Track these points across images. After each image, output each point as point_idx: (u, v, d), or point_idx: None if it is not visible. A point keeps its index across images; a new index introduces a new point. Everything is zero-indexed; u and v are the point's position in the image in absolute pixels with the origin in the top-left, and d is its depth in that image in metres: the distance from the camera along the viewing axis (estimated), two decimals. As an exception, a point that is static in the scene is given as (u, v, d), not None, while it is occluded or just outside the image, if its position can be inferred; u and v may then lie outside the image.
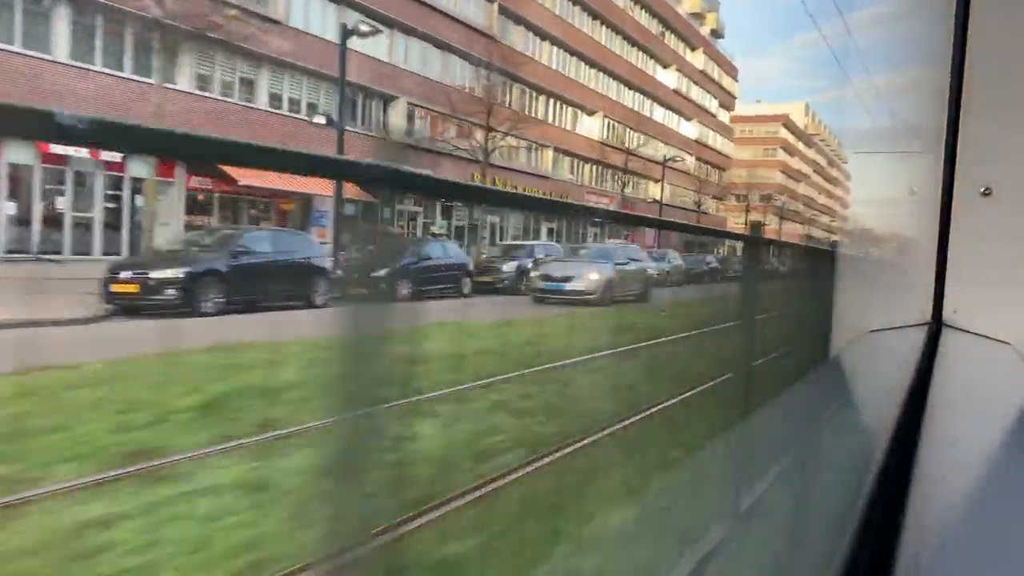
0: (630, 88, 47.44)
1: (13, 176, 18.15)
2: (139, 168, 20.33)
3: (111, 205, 20.48)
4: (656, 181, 45.48)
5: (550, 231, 39.12)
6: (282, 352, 6.70)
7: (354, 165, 1.07)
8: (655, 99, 50.68)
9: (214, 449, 3.88)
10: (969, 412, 1.44)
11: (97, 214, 20.05)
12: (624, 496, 3.73)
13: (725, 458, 2.76)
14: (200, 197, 22.97)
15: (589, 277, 14.93)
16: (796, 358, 3.34)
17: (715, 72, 60.87)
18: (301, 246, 13.50)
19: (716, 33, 64.38)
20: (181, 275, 10.91)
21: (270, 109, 24.81)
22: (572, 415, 5.15)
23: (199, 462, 3.70)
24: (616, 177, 41.83)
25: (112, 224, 20.35)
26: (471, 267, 18.18)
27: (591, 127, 43.20)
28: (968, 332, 2.28)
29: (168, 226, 20.27)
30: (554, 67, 39.76)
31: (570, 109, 41.80)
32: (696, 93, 57.07)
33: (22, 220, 18.49)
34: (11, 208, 17.98)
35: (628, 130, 42.82)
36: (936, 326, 2.34)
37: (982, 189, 2.21)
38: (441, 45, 31.11)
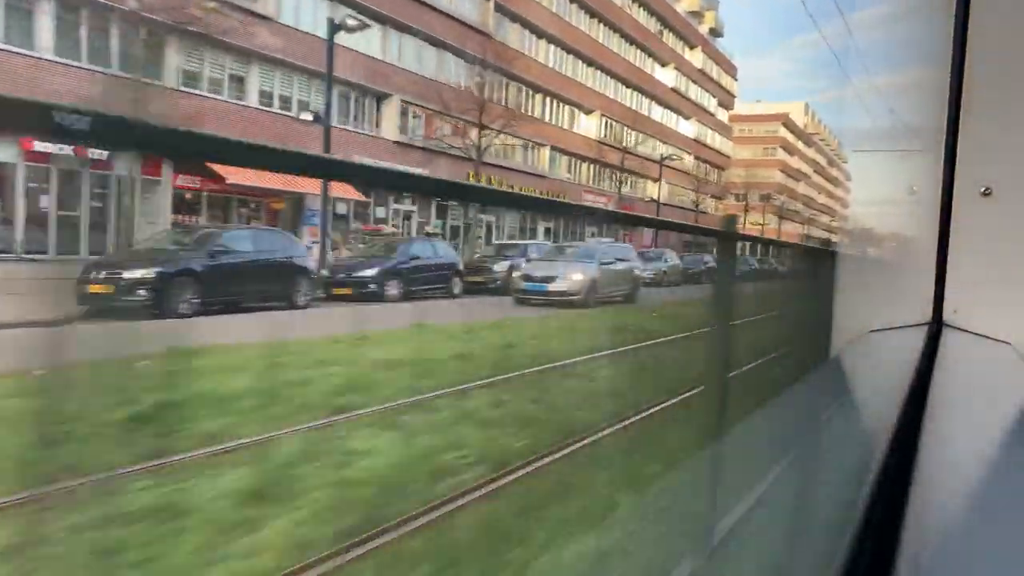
0: (628, 87, 47.06)
1: (-5, 174, 17.82)
2: (126, 166, 20.00)
3: (97, 204, 20.14)
4: (654, 180, 45.11)
5: (547, 230, 38.76)
6: (244, 356, 6.34)
7: (346, 165, 1.15)
8: (653, 98, 50.30)
9: (136, 468, 3.52)
10: (969, 412, 1.44)
11: (83, 213, 19.70)
12: (591, 519, 3.37)
13: (710, 468, 2.48)
14: (188, 196, 22.62)
15: (572, 277, 14.41)
16: (796, 358, 3.31)
17: (714, 71, 60.48)
18: (283, 245, 13.13)
19: (715, 32, 64.01)
20: (153, 275, 10.55)
21: (259, 107, 24.44)
22: (541, 426, 4.79)
23: (112, 484, 3.33)
24: (614, 176, 41.44)
25: (99, 223, 20.00)
26: (461, 267, 17.81)
27: (588, 126, 42.83)
28: (968, 332, 2.27)
29: (155, 225, 19.94)
30: (551, 65, 39.39)
31: (567, 107, 41.44)
32: (695, 92, 56.69)
33: (5, 219, 18.16)
34: (-7, 207, 17.65)
35: (626, 129, 42.43)
36: (936, 326, 2.32)
37: (982, 189, 2.21)
38: (436, 43, 30.75)
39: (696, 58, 56.87)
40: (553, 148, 39.57)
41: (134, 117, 0.66)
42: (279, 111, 24.84)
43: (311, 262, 13.51)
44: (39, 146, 17.29)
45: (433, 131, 30.27)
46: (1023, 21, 2.21)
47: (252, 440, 4.12)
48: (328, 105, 17.13)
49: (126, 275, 10.45)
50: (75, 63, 19.16)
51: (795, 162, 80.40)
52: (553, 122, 40.10)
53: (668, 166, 44.08)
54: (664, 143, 48.19)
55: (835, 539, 0.90)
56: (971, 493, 0.94)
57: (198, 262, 11.19)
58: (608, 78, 45.03)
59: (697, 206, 50.66)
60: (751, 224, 60.79)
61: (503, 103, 31.33)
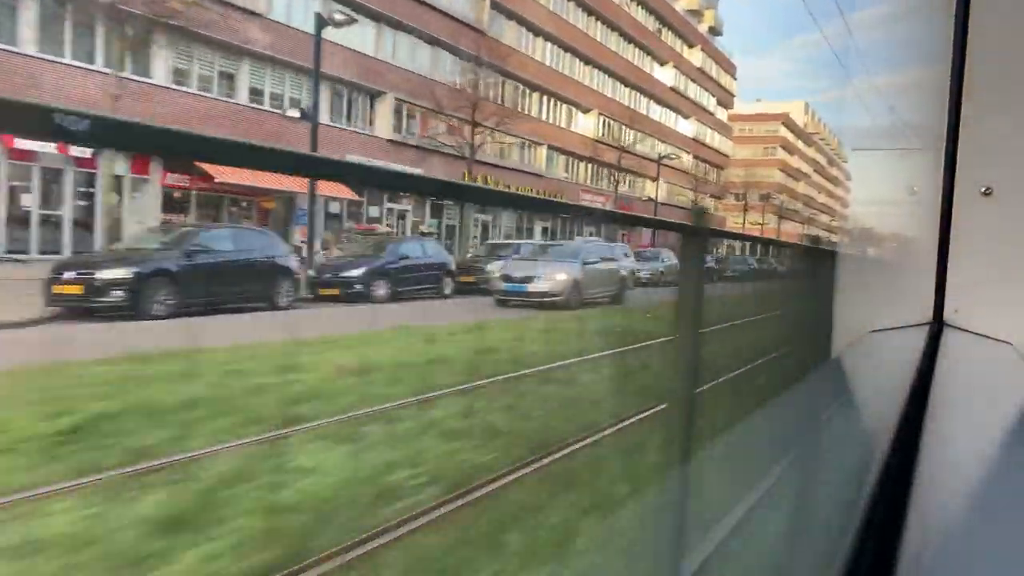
0: (626, 85, 46.68)
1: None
2: (112, 164, 19.65)
3: (83, 203, 19.80)
4: (653, 180, 44.73)
5: (544, 230, 38.41)
6: (204, 361, 5.98)
7: (339, 164, 1.14)
8: (652, 96, 49.92)
9: (44, 491, 3.16)
10: (970, 412, 1.44)
11: (67, 212, 19.35)
12: (549, 551, 3.01)
13: (675, 495, 2.24)
14: (177, 195, 22.28)
15: (553, 278, 13.86)
16: (796, 358, 3.30)
17: (713, 70, 60.08)
18: (264, 245, 12.75)
19: (714, 30, 63.63)
20: (128, 275, 10.20)
21: (242, 103, 24.07)
22: (509, 439, 4.43)
23: (24, 507, 2.98)
24: (612, 175, 41.06)
25: (83, 223, 19.66)
26: (452, 266, 17.45)
27: (586, 125, 42.45)
28: (969, 332, 2.27)
29: (143, 225, 19.56)
30: (548, 63, 39.02)
31: (564, 106, 41.07)
32: (694, 91, 56.29)
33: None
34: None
35: (624, 128, 42.05)
36: (937, 326, 2.32)
37: (983, 189, 2.21)
38: (431, 40, 30.39)
39: (695, 57, 56.48)
40: (550, 147, 39.21)
41: (124, 117, 0.66)
42: (262, 108, 24.39)
43: (294, 262, 13.13)
44: (21, 143, 16.92)
45: (427, 130, 29.90)
46: (1023, 20, 2.20)
47: (186, 457, 3.76)
48: (316, 101, 16.71)
49: (98, 275, 10.11)
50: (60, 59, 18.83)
51: (795, 161, 80.00)
52: (550, 121, 39.74)
53: (666, 165, 43.69)
54: (663, 142, 47.79)
55: (836, 539, 0.89)
56: (972, 493, 0.94)
57: (174, 262, 10.84)
58: (606, 77, 44.67)
59: (694, 205, 50.23)
60: (750, 224, 60.43)
61: (499, 101, 30.98)
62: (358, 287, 14.29)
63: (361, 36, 27.71)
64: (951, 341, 2.15)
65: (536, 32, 37.78)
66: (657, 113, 50.94)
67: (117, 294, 9.98)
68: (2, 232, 17.62)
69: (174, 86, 21.80)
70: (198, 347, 6.49)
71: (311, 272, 14.79)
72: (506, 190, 28.10)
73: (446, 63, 30.27)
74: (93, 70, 19.10)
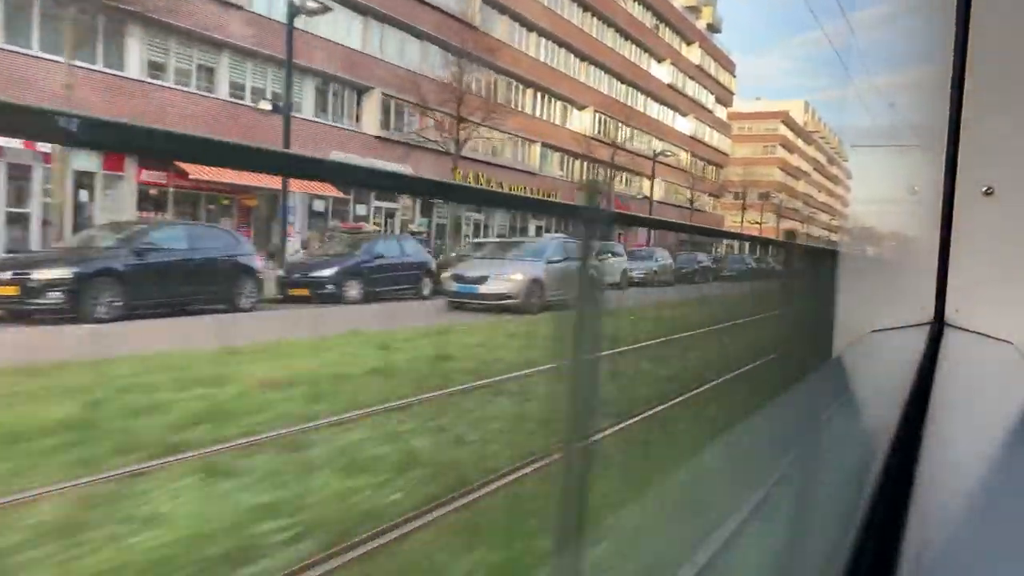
0: (623, 82, 45.92)
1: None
2: (82, 160, 18.98)
3: (52, 200, 19.09)
4: (650, 177, 43.98)
5: (538, 228, 37.68)
6: (102, 375, 5.27)
7: (325, 164, 1.17)
8: (649, 94, 49.15)
9: None
10: (971, 411, 1.42)
11: (35, 209, 18.66)
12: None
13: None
14: (152, 192, 21.58)
15: (509, 278, 12.69)
16: (797, 358, 3.36)
17: (712, 68, 59.31)
18: (225, 243, 12.02)
19: (713, 28, 62.88)
20: (69, 276, 9.49)
21: (230, 99, 23.38)
22: (429, 470, 3.71)
23: None
24: (608, 173, 40.31)
25: (53, 221, 18.94)
26: (432, 266, 16.72)
27: (582, 122, 41.71)
28: (970, 331, 2.24)
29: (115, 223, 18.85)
30: (542, 59, 38.29)
31: (559, 103, 40.33)
32: (692, 88, 55.52)
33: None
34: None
35: (621, 125, 41.31)
36: (938, 325, 2.30)
37: (984, 188, 2.18)
38: (419, 34, 29.68)
39: (694, 54, 55.71)
40: (544, 144, 38.48)
41: (106, 117, 0.66)
42: (240, 102, 23.63)
43: (257, 261, 12.41)
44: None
45: (418, 126, 29.17)
46: None
47: (16, 499, 3.06)
48: (288, 87, 15.97)
49: (35, 276, 9.40)
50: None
51: (795, 160, 79.21)
52: (544, 117, 39.00)
53: (662, 163, 42.94)
54: (660, 140, 47.05)
55: (836, 539, 0.87)
56: (973, 493, 0.93)
57: (121, 261, 10.12)
58: (602, 73, 43.93)
59: (691, 203, 49.51)
60: (749, 223, 59.67)
61: (491, 96, 30.27)
62: (329, 287, 13.57)
63: (348, 30, 27.05)
64: (952, 341, 2.15)
65: (530, 27, 37.05)
66: (655, 111, 50.18)
67: (54, 296, 9.28)
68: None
69: (149, 79, 21.12)
70: (107, 357, 5.78)
71: (280, 272, 14.09)
72: (496, 189, 27.42)
73: (435, 58, 29.54)
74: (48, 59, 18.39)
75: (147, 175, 21.26)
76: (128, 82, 20.38)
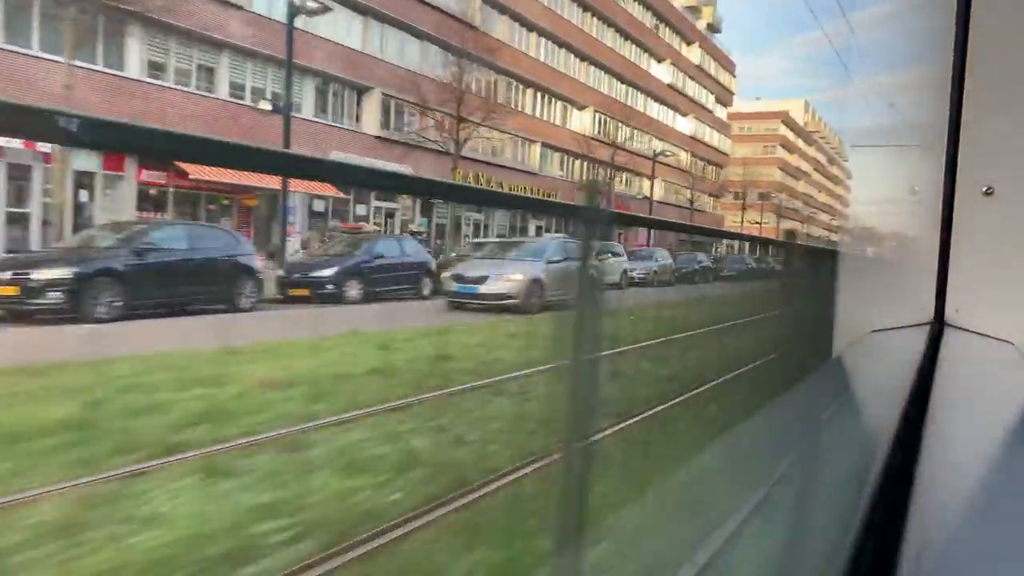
0: (623, 82, 45.89)
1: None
2: (82, 160, 18.97)
3: (52, 200, 19.08)
4: (650, 177, 43.97)
5: (538, 228, 37.65)
6: (103, 374, 5.27)
7: (326, 164, 1.21)
8: (649, 94, 49.13)
9: None
10: (971, 412, 1.42)
11: (35, 209, 18.65)
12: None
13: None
14: (152, 192, 21.58)
15: (509, 278, 12.66)
16: (797, 358, 3.37)
17: (712, 68, 59.28)
18: (224, 243, 12.02)
19: (713, 28, 62.85)
20: (69, 276, 9.49)
21: (230, 99, 23.37)
22: (430, 470, 3.71)
23: None
24: (608, 173, 40.29)
25: (53, 221, 18.93)
26: (432, 266, 16.71)
27: (582, 122, 41.69)
28: (970, 332, 2.24)
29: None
30: (542, 59, 38.27)
31: (559, 103, 40.31)
32: (692, 88, 55.49)
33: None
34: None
35: (621, 125, 41.28)
36: (938, 326, 2.30)
37: (984, 188, 2.18)
38: (420, 35, 29.67)
39: (694, 54, 55.69)
40: (544, 144, 38.46)
41: (102, 116, 0.66)
42: (240, 102, 23.62)
43: (257, 261, 12.41)
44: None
45: (418, 126, 29.16)
46: None
47: (16, 499, 3.06)
48: (288, 92, 15.99)
49: (35, 276, 9.40)
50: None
51: (795, 160, 79.16)
52: (544, 117, 38.98)
53: (662, 163, 42.92)
54: (660, 140, 47.02)
55: (837, 539, 0.87)
56: (974, 493, 0.92)
57: (121, 261, 10.12)
58: (602, 73, 43.91)
59: (691, 203, 49.49)
60: (749, 223, 59.65)
61: (492, 97, 30.25)
62: (329, 287, 13.57)
63: (348, 30, 27.04)
64: (952, 341, 2.15)
65: (530, 27, 37.04)
66: (655, 111, 50.16)
67: (55, 296, 9.28)
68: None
69: (149, 79, 21.11)
70: (107, 357, 5.78)
71: (280, 272, 14.08)
72: (496, 189, 27.41)
73: (435, 58, 29.52)
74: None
75: (147, 175, 21.24)
76: (128, 82, 20.38)
